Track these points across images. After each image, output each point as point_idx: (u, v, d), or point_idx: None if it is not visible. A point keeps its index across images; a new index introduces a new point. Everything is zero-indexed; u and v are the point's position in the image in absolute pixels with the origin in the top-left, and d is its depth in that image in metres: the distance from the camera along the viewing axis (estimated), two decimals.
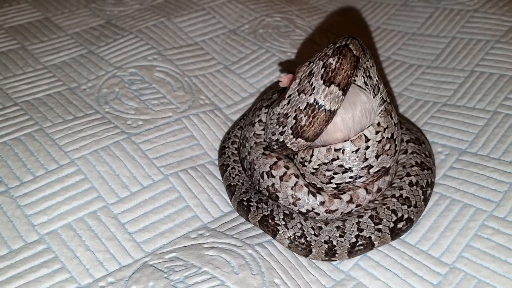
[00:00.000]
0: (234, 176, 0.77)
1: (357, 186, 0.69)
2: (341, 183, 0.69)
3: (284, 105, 0.68)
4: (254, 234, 0.70)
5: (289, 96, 0.68)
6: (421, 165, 0.74)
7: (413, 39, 1.04)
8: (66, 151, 0.77)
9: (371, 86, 0.69)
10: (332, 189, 0.69)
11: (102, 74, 0.93)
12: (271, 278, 0.63)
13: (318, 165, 0.68)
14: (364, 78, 0.70)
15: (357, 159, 0.67)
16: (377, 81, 0.71)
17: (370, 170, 0.68)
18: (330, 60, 0.64)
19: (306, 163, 0.69)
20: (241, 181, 0.76)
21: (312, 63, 0.67)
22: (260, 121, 0.77)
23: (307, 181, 0.71)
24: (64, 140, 0.79)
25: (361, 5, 1.18)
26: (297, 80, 0.67)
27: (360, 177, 0.68)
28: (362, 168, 0.67)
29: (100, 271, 0.64)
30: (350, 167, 0.67)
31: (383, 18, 1.12)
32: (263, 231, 0.70)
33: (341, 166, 0.67)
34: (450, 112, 0.86)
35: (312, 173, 0.69)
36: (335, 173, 0.68)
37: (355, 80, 0.69)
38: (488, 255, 0.66)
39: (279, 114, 0.69)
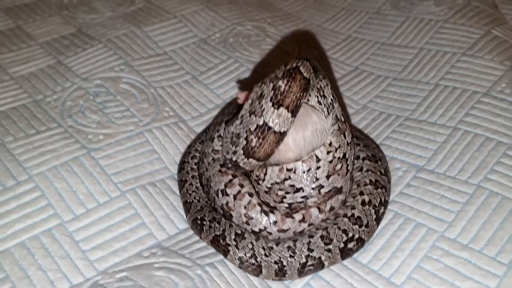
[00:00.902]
0: (191, 192, 0.77)
1: (309, 206, 0.70)
2: (293, 203, 0.69)
3: (237, 125, 0.69)
4: (206, 253, 0.70)
5: (242, 116, 0.68)
6: (375, 184, 0.75)
7: (382, 49, 1.04)
8: (25, 166, 0.78)
9: (325, 106, 0.70)
10: (284, 208, 0.70)
11: (68, 85, 0.93)
12: None
13: (271, 184, 0.68)
14: (318, 97, 0.70)
15: (308, 179, 0.67)
16: (331, 99, 0.71)
17: (321, 190, 0.68)
18: (280, 82, 0.65)
19: (260, 181, 0.69)
20: (197, 198, 0.76)
21: (263, 84, 0.67)
22: (219, 136, 0.77)
23: (262, 199, 0.71)
24: (24, 155, 0.79)
25: (335, 11, 1.18)
26: (250, 101, 0.68)
27: (312, 196, 0.69)
28: (313, 188, 0.68)
29: None
30: (301, 187, 0.68)
31: (355, 26, 1.12)
32: (215, 252, 0.70)
33: (292, 186, 0.68)
34: (412, 127, 0.86)
35: (266, 192, 0.69)
36: (287, 193, 0.68)
37: (308, 100, 0.69)
38: (436, 278, 0.66)
39: (232, 133, 0.69)
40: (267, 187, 0.69)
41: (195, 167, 0.80)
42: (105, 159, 0.80)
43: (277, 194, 0.69)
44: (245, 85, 0.96)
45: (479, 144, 0.79)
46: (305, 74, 0.65)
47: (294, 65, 0.66)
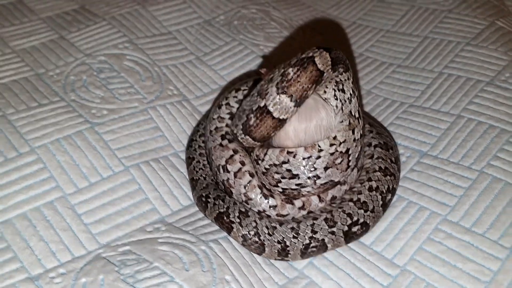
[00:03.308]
0: (198, 170, 0.77)
1: (302, 195, 0.69)
2: (287, 189, 0.68)
3: (247, 101, 0.68)
4: (210, 230, 0.70)
5: (252, 94, 0.68)
6: (385, 171, 0.74)
7: (386, 37, 1.04)
8: (27, 139, 0.77)
9: (340, 100, 0.67)
10: (278, 192, 0.69)
11: (71, 60, 0.92)
12: (221, 275, 0.64)
13: (269, 165, 0.67)
14: (335, 91, 0.67)
15: (306, 167, 0.66)
16: (350, 94, 0.68)
17: (317, 181, 0.67)
18: (289, 69, 0.63)
19: (260, 161, 0.69)
20: (204, 176, 0.76)
21: (276, 70, 0.66)
22: (227, 104, 0.76)
23: (260, 181, 0.71)
24: (26, 127, 0.78)
25: None
26: (262, 82, 0.67)
27: (306, 186, 0.67)
28: (309, 178, 0.66)
29: (52, 261, 0.65)
30: (297, 174, 0.66)
31: (359, 13, 1.12)
32: (218, 228, 0.70)
33: (289, 171, 0.66)
34: (416, 113, 0.86)
35: (263, 173, 0.69)
36: (283, 177, 0.67)
37: (325, 92, 0.67)
38: (439, 259, 0.67)
39: (242, 107, 0.69)
40: (265, 168, 0.68)
41: (203, 145, 0.80)
42: (108, 134, 0.80)
43: (273, 177, 0.68)
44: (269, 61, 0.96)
45: (483, 131, 0.79)
46: (319, 66, 0.64)
47: (310, 54, 0.64)
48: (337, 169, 0.67)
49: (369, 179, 0.73)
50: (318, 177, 0.67)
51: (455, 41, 0.96)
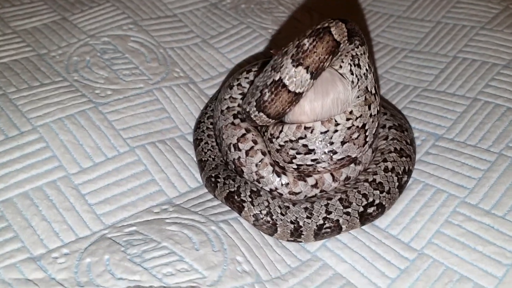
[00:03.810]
0: (206, 151, 0.74)
1: (317, 171, 0.67)
2: (302, 165, 0.66)
3: (259, 77, 0.66)
4: (220, 211, 0.67)
5: (265, 70, 0.65)
6: (400, 152, 0.72)
7: (398, 22, 1.01)
8: (29, 117, 0.74)
9: (356, 76, 0.65)
10: (292, 169, 0.67)
11: (74, 41, 0.89)
12: (233, 256, 0.61)
13: (285, 142, 0.65)
14: (351, 66, 0.65)
15: (322, 141, 0.64)
16: (366, 70, 0.66)
17: (333, 156, 0.65)
18: (305, 41, 0.61)
19: (274, 139, 0.66)
20: (212, 157, 0.73)
21: (291, 43, 0.64)
22: (239, 84, 0.74)
23: (273, 159, 0.68)
24: (27, 106, 0.75)
25: None
26: (276, 56, 0.65)
27: (322, 161, 0.65)
28: (325, 152, 0.64)
29: (55, 241, 0.62)
30: (313, 149, 0.64)
31: None
32: (229, 209, 0.67)
33: (305, 146, 0.64)
34: (430, 97, 0.84)
35: (277, 150, 0.66)
36: (298, 153, 0.65)
37: (341, 67, 0.65)
38: (458, 242, 0.64)
39: (254, 84, 0.67)
40: (279, 145, 0.66)
41: (211, 126, 0.77)
42: (113, 114, 0.77)
43: (287, 153, 0.66)
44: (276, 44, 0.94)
45: (500, 114, 0.77)
46: (335, 36, 0.62)
47: (326, 25, 0.62)
48: (354, 144, 0.65)
49: (385, 160, 0.71)
50: (335, 152, 0.64)
51: (469, 26, 0.93)
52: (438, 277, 0.61)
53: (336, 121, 0.63)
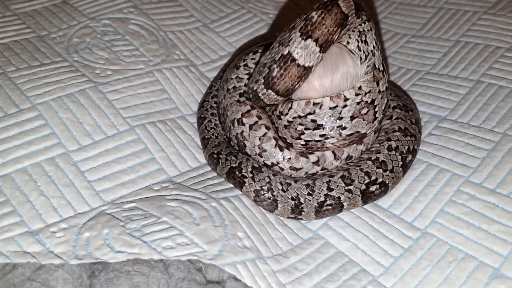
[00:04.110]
0: (209, 129, 0.74)
1: (326, 147, 0.66)
2: (310, 141, 0.65)
3: (267, 55, 0.65)
4: (221, 188, 0.66)
5: (272, 47, 0.65)
6: (404, 131, 0.71)
7: (399, 8, 1.01)
8: (28, 95, 0.73)
9: (364, 52, 0.65)
10: (300, 146, 0.66)
11: (74, 24, 0.88)
12: (233, 231, 0.60)
13: (293, 118, 0.65)
14: (358, 42, 0.65)
15: (331, 116, 0.63)
16: (373, 47, 0.66)
17: (342, 132, 0.64)
18: (313, 13, 0.61)
19: (282, 116, 0.66)
20: (215, 135, 0.73)
21: (298, 19, 0.63)
22: (245, 65, 0.74)
23: (280, 135, 0.67)
24: (27, 85, 0.74)
25: None
26: (283, 33, 0.64)
27: (331, 137, 0.65)
28: (334, 128, 0.64)
29: (53, 216, 0.61)
30: (322, 124, 0.64)
31: None
32: (230, 187, 0.66)
33: (314, 121, 0.64)
34: (433, 80, 0.83)
35: (285, 126, 0.66)
36: (307, 129, 0.64)
37: (348, 43, 0.65)
38: (462, 221, 0.63)
39: (261, 63, 0.66)
40: (288, 121, 0.65)
41: (215, 105, 0.77)
42: (113, 93, 0.76)
43: (296, 129, 0.65)
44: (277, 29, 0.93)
45: (504, 95, 0.76)
46: (343, 9, 0.61)
47: None
48: (364, 119, 0.64)
49: (388, 139, 0.70)
50: (344, 128, 0.64)
51: (472, 11, 0.93)
52: (442, 256, 0.61)
53: (345, 96, 0.63)
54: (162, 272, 0.56)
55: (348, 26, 0.63)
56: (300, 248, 0.62)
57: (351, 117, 0.64)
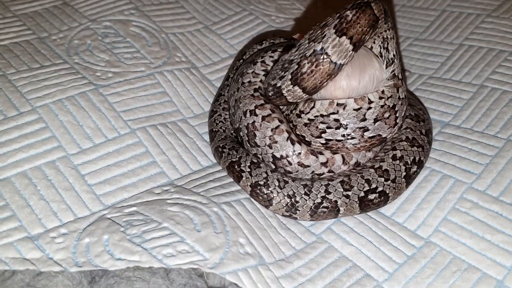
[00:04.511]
0: (218, 122, 0.75)
1: (346, 148, 0.66)
2: (331, 140, 0.65)
3: (293, 52, 0.65)
4: (223, 192, 0.66)
5: (300, 44, 0.64)
6: (412, 141, 0.70)
7: (402, 11, 1.00)
8: (28, 98, 0.72)
9: (385, 59, 0.67)
10: (320, 144, 0.66)
11: (75, 25, 0.88)
12: (235, 238, 0.59)
13: (315, 116, 0.65)
14: (380, 48, 0.67)
15: (355, 117, 0.64)
16: (393, 55, 0.67)
17: (365, 134, 0.64)
18: (348, 12, 0.61)
19: (303, 115, 0.66)
20: (223, 129, 0.74)
21: (329, 18, 0.63)
22: (263, 62, 0.73)
23: (298, 133, 0.67)
24: (27, 87, 0.74)
25: None
26: (311, 31, 0.64)
27: (353, 138, 0.65)
28: (357, 128, 0.64)
29: (53, 221, 0.60)
30: (345, 124, 0.64)
31: None
32: (232, 191, 0.66)
33: (337, 120, 0.64)
34: (436, 85, 0.83)
35: (305, 124, 0.66)
36: (329, 127, 0.64)
37: (371, 48, 0.67)
38: (465, 231, 0.63)
39: (285, 60, 0.65)
40: (308, 119, 0.65)
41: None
42: (114, 96, 0.75)
43: (317, 127, 0.65)
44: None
45: (508, 100, 0.75)
46: (376, 12, 0.62)
47: (366, 0, 0.63)
48: (386, 123, 0.65)
49: (394, 148, 0.69)
50: (367, 129, 0.64)
51: (475, 14, 0.92)
52: (445, 265, 0.60)
53: (369, 99, 0.63)
54: (163, 278, 0.55)
55: (378, 28, 0.64)
56: (304, 253, 0.62)
57: (374, 119, 0.64)
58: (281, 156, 0.66)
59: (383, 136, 0.66)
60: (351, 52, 0.61)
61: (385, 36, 0.67)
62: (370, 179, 0.66)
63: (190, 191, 0.65)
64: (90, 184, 0.65)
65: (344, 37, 0.60)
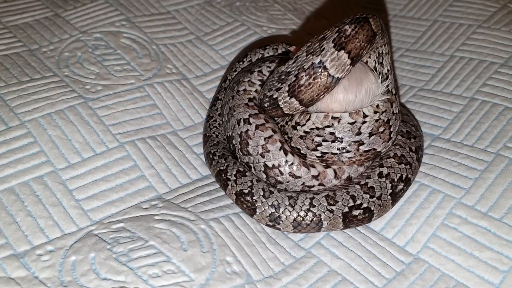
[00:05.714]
0: (212, 127, 0.76)
1: (341, 161, 0.66)
2: (326, 153, 0.65)
3: (290, 64, 0.65)
4: (211, 208, 0.66)
5: (297, 56, 0.65)
6: (400, 158, 0.70)
7: (394, 21, 1.00)
8: (17, 112, 0.72)
9: (379, 74, 0.68)
10: (315, 157, 0.66)
11: (66, 37, 0.87)
12: (222, 256, 0.59)
13: (310, 129, 0.65)
14: (375, 63, 0.68)
15: (350, 131, 0.64)
16: (387, 70, 0.68)
17: (360, 147, 0.65)
18: (346, 27, 0.62)
19: (299, 127, 0.66)
20: (216, 134, 0.75)
21: (327, 31, 0.64)
22: (260, 71, 0.74)
23: (293, 145, 0.67)
24: (16, 101, 0.74)
25: None
26: (308, 43, 0.65)
27: (348, 151, 0.65)
28: (353, 142, 0.64)
29: (40, 238, 0.60)
30: (341, 137, 0.64)
31: None
32: (220, 206, 0.66)
33: (332, 134, 0.64)
34: (426, 97, 0.82)
35: (301, 137, 0.66)
36: (324, 140, 0.65)
37: (366, 62, 0.67)
38: (454, 247, 0.62)
39: (282, 72, 0.66)
40: (304, 132, 0.65)
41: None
42: (103, 109, 0.75)
43: (312, 140, 0.65)
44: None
45: (498, 113, 0.75)
46: (373, 27, 0.63)
47: (364, 15, 0.63)
48: (380, 138, 0.65)
49: (381, 165, 0.69)
50: (362, 143, 0.64)
51: (466, 24, 0.92)
52: (434, 282, 0.60)
53: (364, 113, 0.64)
54: None
55: (374, 44, 0.64)
56: (292, 268, 0.62)
57: (369, 133, 0.64)
58: (273, 165, 0.66)
59: (378, 150, 0.66)
60: (348, 66, 0.61)
61: (380, 51, 0.67)
62: (355, 195, 0.66)
63: (178, 207, 0.65)
64: (78, 199, 0.65)
65: (342, 51, 0.61)
